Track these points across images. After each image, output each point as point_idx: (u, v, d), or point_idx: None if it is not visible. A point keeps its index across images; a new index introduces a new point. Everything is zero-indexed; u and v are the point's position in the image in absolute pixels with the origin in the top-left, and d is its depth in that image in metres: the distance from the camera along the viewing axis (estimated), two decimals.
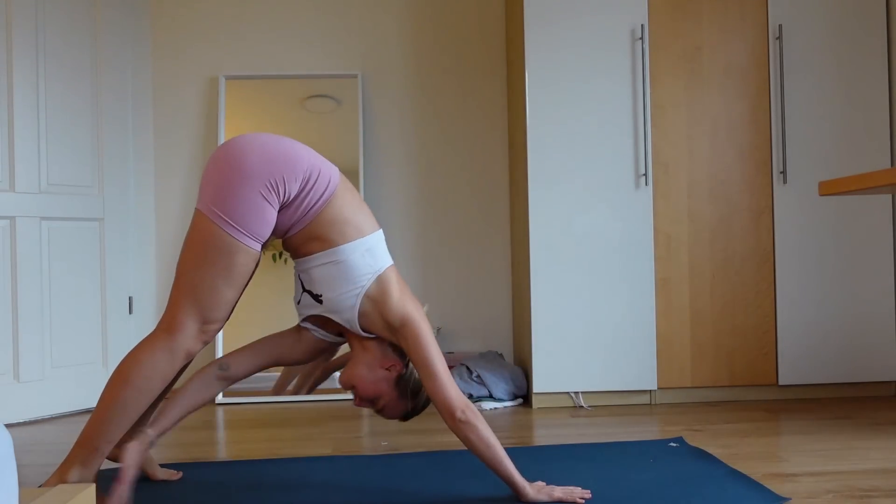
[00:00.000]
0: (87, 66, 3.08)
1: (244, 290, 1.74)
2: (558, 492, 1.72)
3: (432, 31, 3.52)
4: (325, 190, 1.74)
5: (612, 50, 2.91)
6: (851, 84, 2.97)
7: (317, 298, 1.79)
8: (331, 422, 2.77)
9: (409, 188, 3.50)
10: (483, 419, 1.69)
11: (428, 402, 1.84)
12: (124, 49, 3.24)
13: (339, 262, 1.74)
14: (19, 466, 2.19)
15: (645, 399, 2.96)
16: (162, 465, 2.09)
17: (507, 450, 2.22)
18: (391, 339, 1.79)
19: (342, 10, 3.51)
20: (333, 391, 3.20)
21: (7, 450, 0.98)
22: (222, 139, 3.37)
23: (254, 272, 1.74)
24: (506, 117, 3.53)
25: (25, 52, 2.87)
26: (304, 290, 1.83)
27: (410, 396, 1.83)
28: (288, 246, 1.83)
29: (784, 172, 2.92)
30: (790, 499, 1.71)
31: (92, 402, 3.06)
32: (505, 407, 2.97)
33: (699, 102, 2.95)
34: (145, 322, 3.37)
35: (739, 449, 2.21)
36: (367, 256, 1.76)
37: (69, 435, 2.63)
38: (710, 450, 2.20)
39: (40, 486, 1.58)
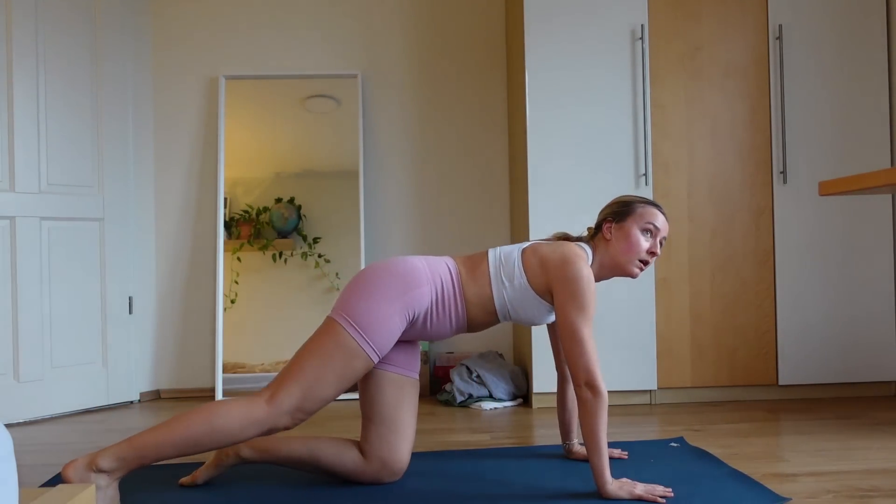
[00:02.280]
0: (87, 65, 3.09)
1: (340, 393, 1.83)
2: (639, 489, 1.71)
3: (432, 32, 3.52)
4: (454, 291, 1.85)
5: (612, 50, 2.91)
6: (851, 84, 2.97)
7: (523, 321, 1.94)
8: (331, 422, 2.77)
9: (409, 188, 3.50)
10: (606, 401, 1.72)
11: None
12: (124, 49, 3.25)
13: (501, 306, 1.87)
14: (19, 466, 2.19)
15: (645, 399, 2.96)
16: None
17: (507, 450, 2.23)
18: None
19: (342, 10, 3.51)
20: None
21: (7, 450, 0.98)
22: (222, 139, 3.38)
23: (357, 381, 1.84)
24: (506, 117, 3.53)
25: (25, 52, 2.87)
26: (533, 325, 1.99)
27: (631, 210, 1.89)
28: (476, 329, 1.94)
29: (784, 172, 2.92)
30: (790, 499, 1.71)
31: (92, 402, 3.07)
32: (505, 407, 2.97)
33: (699, 102, 2.95)
34: (145, 322, 3.37)
35: (739, 449, 2.21)
36: (500, 280, 1.86)
37: (69, 435, 2.63)
38: (711, 450, 2.20)
39: (69, 463, 1.63)
